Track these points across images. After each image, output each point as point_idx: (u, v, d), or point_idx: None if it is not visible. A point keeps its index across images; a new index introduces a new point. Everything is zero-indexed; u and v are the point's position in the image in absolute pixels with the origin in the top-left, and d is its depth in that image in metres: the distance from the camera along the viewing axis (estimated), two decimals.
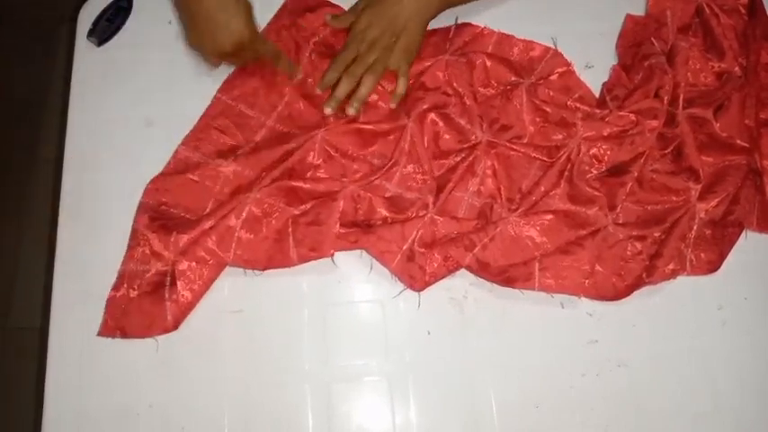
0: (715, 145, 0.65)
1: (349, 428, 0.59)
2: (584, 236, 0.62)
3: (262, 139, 0.68)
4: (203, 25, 0.62)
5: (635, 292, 0.62)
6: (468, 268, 0.62)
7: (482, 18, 0.73)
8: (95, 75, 0.72)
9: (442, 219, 0.63)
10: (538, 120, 0.67)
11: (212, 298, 0.63)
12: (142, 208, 0.64)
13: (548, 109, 0.66)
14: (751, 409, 0.60)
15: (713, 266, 0.62)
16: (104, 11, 0.73)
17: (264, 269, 0.62)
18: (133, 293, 0.61)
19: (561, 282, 0.61)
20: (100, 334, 0.61)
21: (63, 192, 0.66)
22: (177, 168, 0.66)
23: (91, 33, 0.72)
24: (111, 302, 0.61)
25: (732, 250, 0.63)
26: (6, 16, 1.54)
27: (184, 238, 0.61)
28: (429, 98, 0.67)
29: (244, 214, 0.62)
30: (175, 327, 0.61)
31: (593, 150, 0.65)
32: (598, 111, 0.67)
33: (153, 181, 0.65)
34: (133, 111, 0.70)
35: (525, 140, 0.67)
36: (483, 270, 0.61)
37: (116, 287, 0.62)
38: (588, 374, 0.60)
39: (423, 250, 0.61)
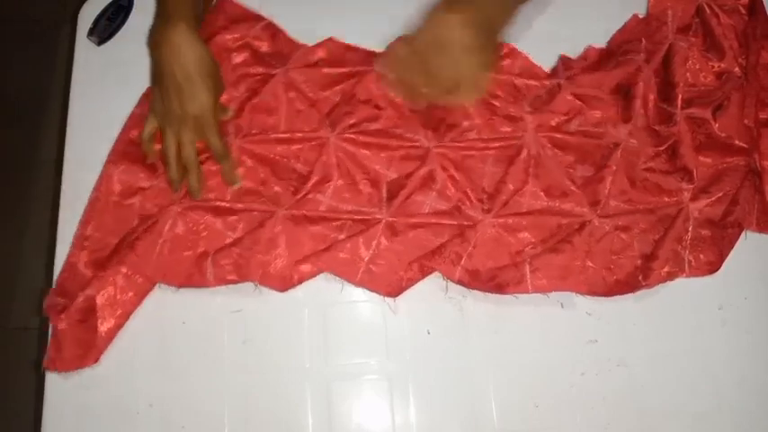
0: (714, 145, 0.65)
1: (349, 427, 0.59)
2: (572, 232, 0.62)
3: None
4: (173, 90, 0.61)
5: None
6: (460, 282, 0.61)
7: None
8: (95, 74, 0.72)
9: (398, 219, 0.62)
10: (485, 112, 0.67)
11: (212, 298, 0.63)
12: (76, 241, 0.63)
13: (496, 103, 0.66)
14: (751, 408, 0.60)
15: (713, 267, 0.62)
16: (105, 10, 0.73)
17: (180, 287, 0.62)
18: (63, 325, 0.59)
19: (554, 281, 0.61)
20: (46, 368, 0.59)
21: (63, 192, 0.66)
22: (102, 191, 0.64)
23: (91, 32, 0.73)
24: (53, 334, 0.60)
25: (732, 250, 0.63)
26: (6, 16, 1.54)
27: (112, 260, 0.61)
28: (358, 112, 0.66)
29: (167, 227, 0.62)
30: (101, 353, 0.60)
31: (552, 141, 0.65)
32: (547, 82, 0.67)
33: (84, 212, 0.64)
34: None
35: (473, 134, 0.66)
36: (474, 280, 0.61)
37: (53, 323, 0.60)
38: (588, 374, 0.60)
39: (383, 262, 0.61)
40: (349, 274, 0.61)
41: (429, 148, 0.65)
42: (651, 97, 0.67)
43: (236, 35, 0.71)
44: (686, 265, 0.62)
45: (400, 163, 0.66)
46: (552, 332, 0.62)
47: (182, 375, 0.61)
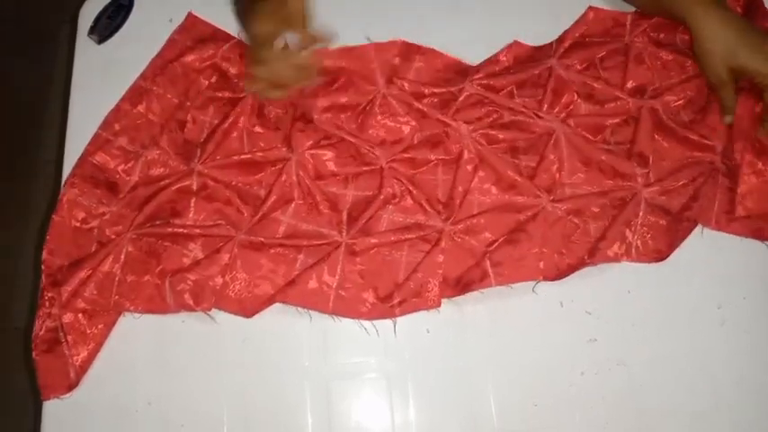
0: (679, 138, 0.65)
1: (348, 426, 0.59)
2: (526, 221, 0.62)
3: (139, 177, 0.66)
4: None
5: (631, 290, 0.62)
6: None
7: (476, 17, 0.73)
8: (96, 72, 0.72)
9: (357, 240, 0.62)
10: (419, 118, 0.67)
11: None
12: (45, 266, 0.63)
13: (424, 108, 0.66)
14: (750, 407, 0.60)
15: (660, 255, 0.62)
16: (105, 8, 0.74)
17: (142, 313, 0.62)
18: (34, 354, 0.60)
19: (516, 272, 0.61)
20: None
21: None
22: (62, 214, 0.64)
23: (92, 31, 0.73)
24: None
25: (731, 250, 0.63)
26: (6, 16, 1.54)
27: (66, 290, 0.60)
28: (309, 131, 0.66)
29: (122, 257, 0.61)
30: (77, 383, 0.60)
31: (487, 138, 0.65)
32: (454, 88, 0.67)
33: (48, 233, 0.64)
34: None
35: (416, 139, 0.67)
36: (442, 287, 0.61)
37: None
38: (587, 373, 0.60)
39: (350, 285, 0.61)
40: (320, 305, 0.61)
41: (382, 166, 0.65)
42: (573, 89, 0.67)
43: (203, 55, 0.70)
44: (633, 250, 0.62)
45: (356, 181, 0.66)
46: (551, 331, 0.62)
47: (180, 374, 0.61)
